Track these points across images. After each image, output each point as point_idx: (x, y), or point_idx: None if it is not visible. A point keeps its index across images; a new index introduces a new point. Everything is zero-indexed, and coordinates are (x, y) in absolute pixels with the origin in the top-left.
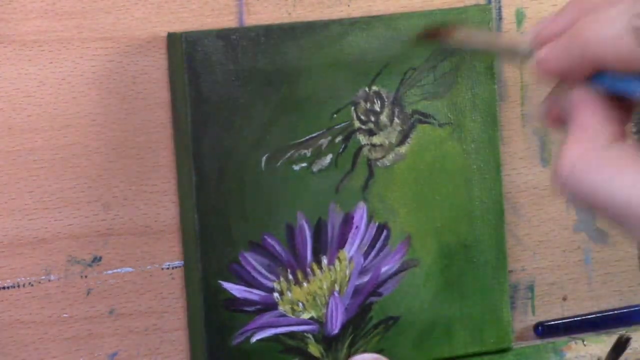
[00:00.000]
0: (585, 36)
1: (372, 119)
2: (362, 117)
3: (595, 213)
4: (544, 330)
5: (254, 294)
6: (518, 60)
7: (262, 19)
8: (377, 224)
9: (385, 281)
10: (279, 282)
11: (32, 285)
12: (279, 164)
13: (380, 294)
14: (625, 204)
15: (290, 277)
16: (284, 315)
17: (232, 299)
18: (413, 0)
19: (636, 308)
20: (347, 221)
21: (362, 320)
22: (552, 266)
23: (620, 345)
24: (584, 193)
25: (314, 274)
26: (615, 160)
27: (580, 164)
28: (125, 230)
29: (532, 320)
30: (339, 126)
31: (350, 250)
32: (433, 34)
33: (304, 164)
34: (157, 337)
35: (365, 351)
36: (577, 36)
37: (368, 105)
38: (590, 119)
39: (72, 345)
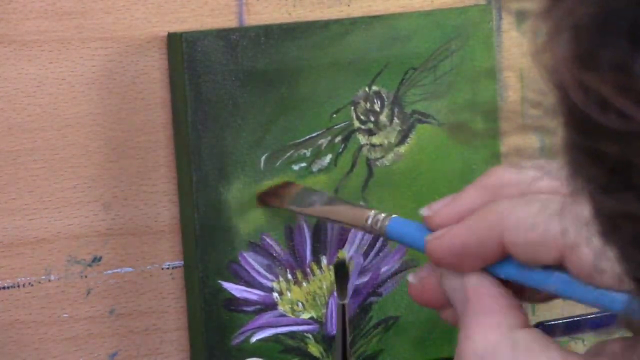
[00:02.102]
0: (500, 222)
1: (372, 118)
2: (362, 117)
3: None
4: (544, 330)
5: (254, 294)
6: (364, 230)
7: (262, 19)
8: None
9: (385, 281)
10: (279, 282)
11: (32, 285)
12: (278, 163)
13: (380, 294)
14: None
15: (290, 277)
16: (283, 315)
17: (232, 299)
18: (413, 0)
19: None
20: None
21: (362, 320)
22: None
23: (342, 271)
24: None
25: (313, 274)
26: (527, 348)
27: (488, 355)
28: (125, 230)
29: (532, 320)
30: (338, 126)
31: (350, 250)
32: (269, 198)
33: (304, 164)
34: (157, 337)
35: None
36: (490, 218)
37: (368, 105)
38: (495, 304)
39: (72, 345)
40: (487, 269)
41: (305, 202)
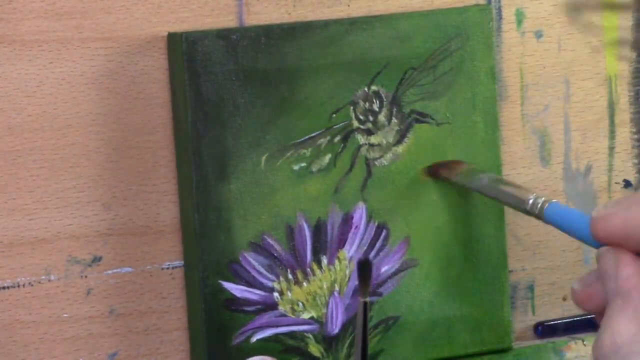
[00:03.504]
0: None
1: (371, 118)
2: (361, 117)
3: None
4: (544, 330)
5: (254, 294)
6: (523, 210)
7: (262, 19)
8: (376, 223)
9: (385, 281)
10: (279, 282)
11: (32, 285)
12: (278, 163)
13: (380, 294)
14: None
15: (290, 277)
16: (284, 315)
17: (232, 299)
18: (413, 0)
19: None
20: (347, 221)
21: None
22: (552, 266)
23: (365, 269)
24: None
25: (313, 273)
26: None
27: (626, 349)
28: (125, 230)
29: (532, 320)
30: (337, 126)
31: (350, 250)
32: (440, 170)
33: (303, 164)
34: (157, 337)
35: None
36: None
37: (367, 105)
38: None
39: (72, 345)
40: None
41: (473, 178)
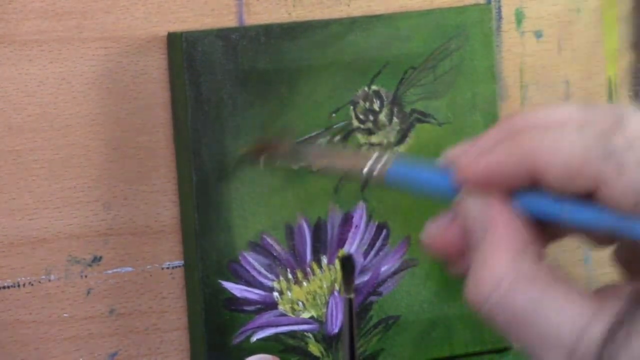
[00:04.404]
0: (533, 144)
1: (371, 118)
2: (361, 117)
3: (513, 336)
4: None
5: (254, 294)
6: (361, 178)
7: (262, 19)
8: (376, 223)
9: (385, 280)
10: (279, 282)
11: (32, 285)
12: (278, 163)
13: (380, 293)
14: (554, 333)
15: (290, 276)
16: (284, 315)
17: (232, 299)
18: (413, 0)
19: None
20: (347, 220)
21: (362, 319)
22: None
23: (348, 265)
24: (511, 312)
25: (313, 273)
26: (547, 277)
27: (509, 277)
28: (125, 230)
29: None
30: (337, 125)
31: (350, 249)
32: (260, 150)
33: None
34: (157, 337)
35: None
36: (522, 142)
37: (367, 104)
38: (516, 231)
39: (72, 345)
40: (514, 200)
41: (298, 155)
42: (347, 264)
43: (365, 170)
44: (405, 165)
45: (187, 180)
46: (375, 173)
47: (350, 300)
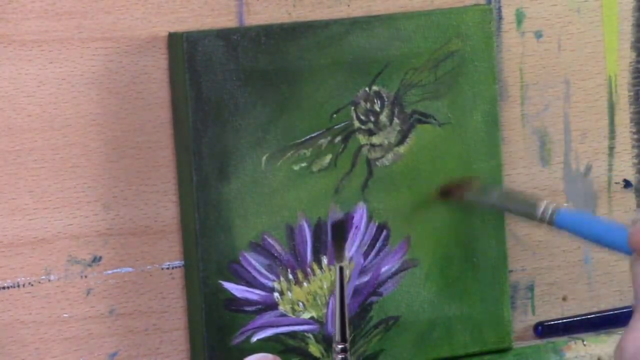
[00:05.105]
0: None
1: (372, 118)
2: (362, 117)
3: None
4: (544, 330)
5: (255, 294)
6: (534, 220)
7: (262, 19)
8: (376, 223)
9: (385, 281)
10: (279, 282)
11: (32, 285)
12: (278, 164)
13: (380, 294)
14: None
15: (291, 277)
16: (284, 315)
17: (233, 299)
18: (413, 0)
19: None
20: (347, 221)
21: (363, 320)
22: (552, 266)
23: (340, 231)
24: None
25: (314, 273)
26: None
27: None
28: (125, 230)
29: (532, 320)
30: (338, 126)
31: (350, 250)
32: (451, 190)
33: (304, 164)
34: (157, 337)
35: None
36: None
37: (368, 105)
38: None
39: (72, 345)
40: None
41: (482, 197)
42: (339, 229)
43: (539, 214)
44: (574, 214)
45: (187, 180)
46: (547, 217)
47: (341, 269)
